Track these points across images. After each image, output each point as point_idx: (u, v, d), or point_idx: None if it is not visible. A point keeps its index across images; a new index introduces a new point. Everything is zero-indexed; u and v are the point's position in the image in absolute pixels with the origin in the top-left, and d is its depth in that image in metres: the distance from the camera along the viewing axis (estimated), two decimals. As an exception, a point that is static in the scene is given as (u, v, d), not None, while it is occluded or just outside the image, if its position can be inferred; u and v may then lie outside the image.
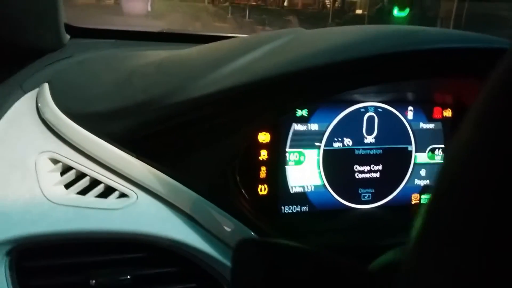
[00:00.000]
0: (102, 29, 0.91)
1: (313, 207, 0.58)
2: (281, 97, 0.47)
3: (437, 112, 0.61)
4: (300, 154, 0.56)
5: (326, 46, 0.48)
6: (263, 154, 0.54)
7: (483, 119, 0.21)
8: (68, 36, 0.80)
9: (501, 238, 0.18)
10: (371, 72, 0.46)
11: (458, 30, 0.53)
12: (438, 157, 0.62)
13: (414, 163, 0.61)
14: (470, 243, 0.20)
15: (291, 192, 0.57)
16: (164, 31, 0.99)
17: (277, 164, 0.56)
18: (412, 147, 0.61)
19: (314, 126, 0.56)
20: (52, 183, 0.46)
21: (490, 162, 0.19)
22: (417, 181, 0.63)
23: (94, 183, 0.48)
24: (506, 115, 0.19)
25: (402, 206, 0.62)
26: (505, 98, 0.19)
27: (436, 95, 0.60)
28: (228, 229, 0.49)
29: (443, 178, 0.22)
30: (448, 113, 0.61)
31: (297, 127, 0.55)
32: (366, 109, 0.57)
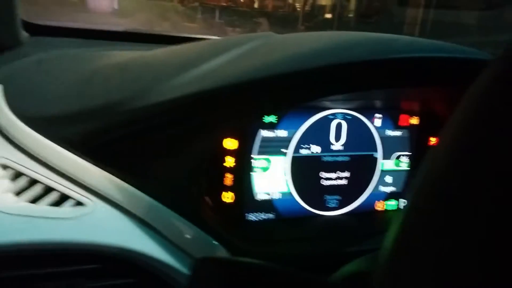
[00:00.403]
0: (64, 27, 0.87)
1: (279, 215, 0.57)
2: (249, 104, 0.45)
3: (404, 119, 0.61)
4: (267, 161, 0.55)
5: (296, 52, 0.47)
6: (229, 161, 0.53)
7: (463, 131, 0.20)
8: (26, 34, 0.76)
9: (486, 249, 0.18)
10: (342, 80, 0.45)
11: (429, 40, 0.53)
12: (404, 164, 0.62)
13: (381, 170, 0.61)
14: (450, 254, 0.19)
15: (257, 199, 0.56)
16: (130, 31, 0.96)
17: (243, 171, 0.54)
18: (379, 154, 0.60)
19: (282, 133, 0.55)
20: (1, 190, 0.43)
21: (470, 174, 0.19)
22: (382, 188, 0.62)
23: (48, 190, 0.45)
24: (487, 124, 0.19)
25: (368, 213, 0.62)
26: (486, 109, 0.19)
27: (403, 103, 0.61)
28: (190, 239, 0.47)
29: (421, 189, 0.22)
30: (415, 120, 0.61)
31: (265, 133, 0.54)
32: (335, 116, 0.57)
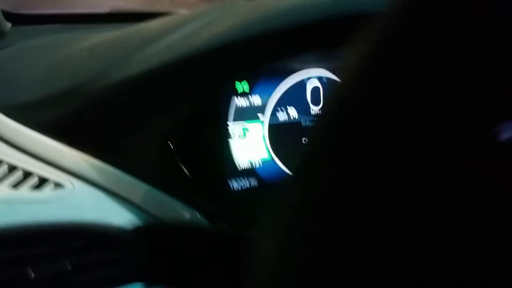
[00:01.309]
0: (46, 14, 0.87)
1: (262, 181, 0.57)
2: (216, 70, 0.45)
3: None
4: (244, 128, 0.55)
5: (260, 14, 0.47)
6: (204, 130, 0.53)
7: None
8: (9, 24, 0.76)
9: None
10: (306, 37, 0.45)
11: None
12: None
13: (363, 130, 0.61)
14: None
15: (238, 166, 0.56)
16: (113, 12, 0.95)
17: (221, 139, 0.54)
18: (360, 114, 0.60)
19: (256, 99, 0.54)
20: (-18, 179, 0.45)
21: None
22: (367, 148, 0.62)
23: (27, 175, 0.46)
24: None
25: None
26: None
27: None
28: (171, 211, 0.48)
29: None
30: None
31: (238, 100, 0.54)
32: (310, 79, 0.56)
